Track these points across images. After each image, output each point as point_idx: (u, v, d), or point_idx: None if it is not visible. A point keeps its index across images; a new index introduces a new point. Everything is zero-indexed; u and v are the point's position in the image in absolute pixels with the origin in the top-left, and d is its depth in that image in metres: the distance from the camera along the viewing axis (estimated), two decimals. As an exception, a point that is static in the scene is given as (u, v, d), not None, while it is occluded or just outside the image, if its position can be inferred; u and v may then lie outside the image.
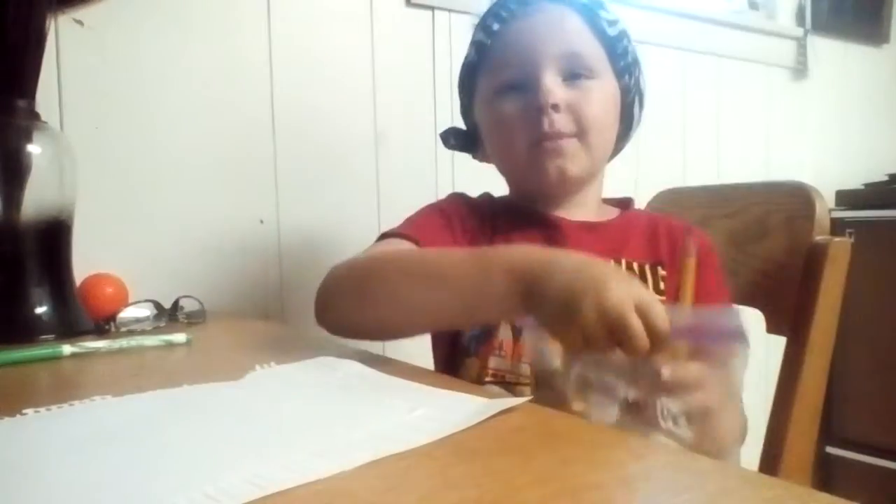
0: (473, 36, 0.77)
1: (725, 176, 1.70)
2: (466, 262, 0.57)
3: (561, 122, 0.69)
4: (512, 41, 0.72)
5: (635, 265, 0.72)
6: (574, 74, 0.71)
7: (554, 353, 0.67)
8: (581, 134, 0.70)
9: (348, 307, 0.62)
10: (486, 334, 0.71)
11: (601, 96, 0.72)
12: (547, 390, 0.64)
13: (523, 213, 0.76)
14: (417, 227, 0.72)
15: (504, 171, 0.79)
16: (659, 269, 0.72)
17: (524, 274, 0.51)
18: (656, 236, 0.75)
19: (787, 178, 0.93)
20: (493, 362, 0.70)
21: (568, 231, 0.74)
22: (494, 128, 0.75)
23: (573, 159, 0.71)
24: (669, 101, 1.62)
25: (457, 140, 0.82)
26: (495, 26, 0.73)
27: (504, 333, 0.70)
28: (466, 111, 0.82)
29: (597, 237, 0.74)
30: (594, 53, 0.72)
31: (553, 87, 0.69)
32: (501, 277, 0.52)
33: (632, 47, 0.76)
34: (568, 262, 0.50)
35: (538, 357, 0.68)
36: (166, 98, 1.00)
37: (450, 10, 1.22)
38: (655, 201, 1.03)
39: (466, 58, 0.78)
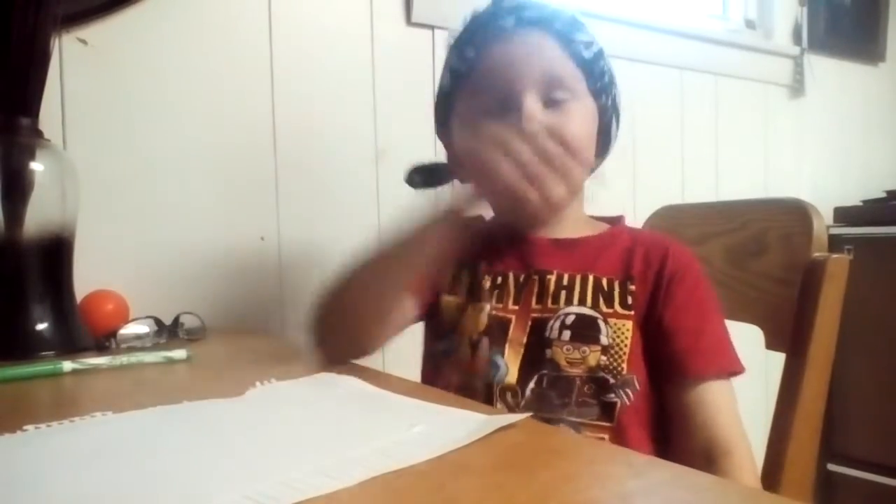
0: (448, 62, 0.76)
1: (723, 193, 1.71)
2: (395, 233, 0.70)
3: None
4: (490, 66, 0.71)
5: (604, 280, 0.73)
6: (553, 98, 0.71)
7: (507, 368, 0.68)
8: None
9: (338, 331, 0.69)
10: (451, 351, 0.73)
11: (581, 117, 0.73)
12: (500, 405, 0.68)
13: (500, 233, 0.78)
14: None
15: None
16: (628, 283, 0.73)
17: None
18: (632, 253, 0.76)
19: (784, 195, 0.93)
20: (455, 378, 0.73)
21: (539, 248, 0.76)
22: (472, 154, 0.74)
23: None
24: (668, 119, 1.63)
25: (421, 177, 0.82)
26: (471, 53, 0.73)
27: (464, 352, 0.72)
28: (444, 137, 0.81)
29: (567, 253, 0.75)
30: (572, 75, 0.72)
31: (535, 111, 0.69)
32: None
33: (608, 67, 0.76)
34: None
35: (493, 371, 0.70)
36: (168, 116, 1.01)
37: (450, 29, 1.23)
38: (654, 218, 1.04)
39: (441, 86, 0.78)
